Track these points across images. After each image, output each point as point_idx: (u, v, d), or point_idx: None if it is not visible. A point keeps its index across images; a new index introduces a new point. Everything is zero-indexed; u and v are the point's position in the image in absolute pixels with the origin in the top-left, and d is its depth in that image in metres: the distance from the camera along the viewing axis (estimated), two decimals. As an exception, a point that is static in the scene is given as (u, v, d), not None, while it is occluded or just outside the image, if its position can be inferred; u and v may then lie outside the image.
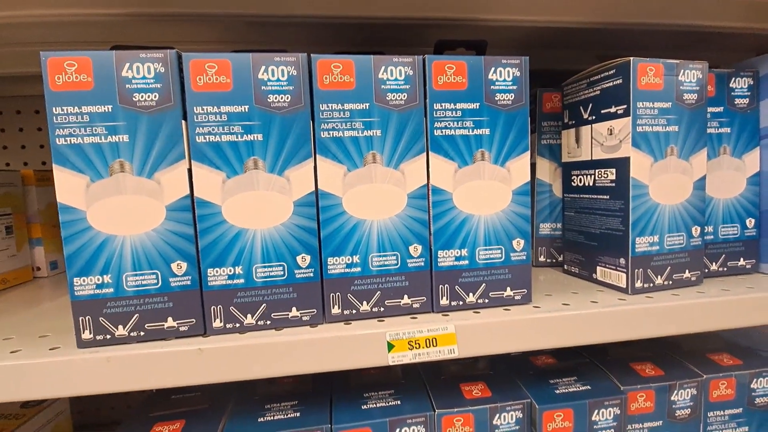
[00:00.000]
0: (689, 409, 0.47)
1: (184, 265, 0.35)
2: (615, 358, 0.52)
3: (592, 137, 0.47)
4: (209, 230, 0.35)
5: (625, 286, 0.44)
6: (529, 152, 0.40)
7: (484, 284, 0.40)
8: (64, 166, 0.33)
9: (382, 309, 0.38)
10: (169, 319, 0.35)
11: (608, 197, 0.45)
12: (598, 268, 0.47)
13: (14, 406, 0.56)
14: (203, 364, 0.33)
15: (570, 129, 0.50)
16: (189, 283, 0.35)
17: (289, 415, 0.41)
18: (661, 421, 0.46)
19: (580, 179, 0.49)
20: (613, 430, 0.44)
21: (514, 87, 0.39)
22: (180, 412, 0.42)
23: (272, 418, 0.41)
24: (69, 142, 0.33)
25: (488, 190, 0.39)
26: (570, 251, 0.52)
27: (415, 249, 0.39)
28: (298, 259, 0.37)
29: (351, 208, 0.37)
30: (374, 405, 0.42)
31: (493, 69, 0.38)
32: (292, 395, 0.44)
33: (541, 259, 0.57)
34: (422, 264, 0.39)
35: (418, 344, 0.36)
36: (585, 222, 0.49)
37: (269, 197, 0.35)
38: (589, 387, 0.45)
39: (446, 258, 0.39)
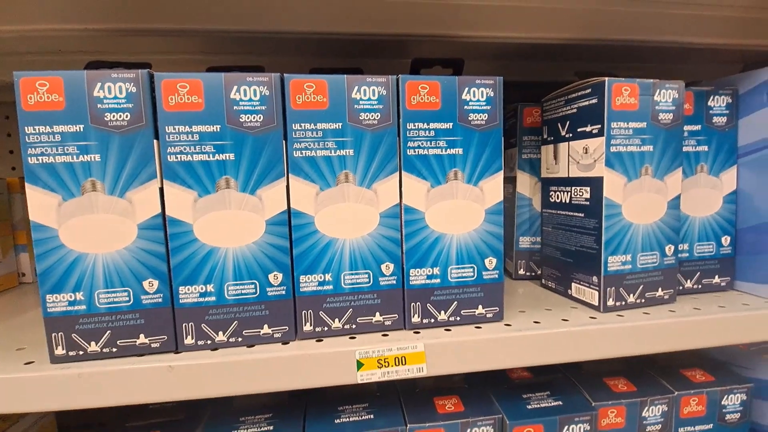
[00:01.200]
0: (660, 425, 0.48)
1: (156, 282, 0.35)
2: (589, 373, 0.52)
3: (569, 155, 0.47)
4: (181, 249, 0.35)
5: (597, 304, 0.44)
6: (502, 172, 0.40)
7: (456, 302, 0.40)
8: (36, 185, 0.33)
9: (354, 326, 0.39)
10: (141, 335, 0.35)
11: (583, 215, 0.45)
12: (573, 284, 0.48)
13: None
14: (174, 380, 0.34)
15: (549, 145, 0.51)
16: (161, 300, 0.35)
17: (262, 428, 0.41)
18: (631, 436, 0.47)
19: (558, 195, 0.49)
20: (583, 445, 0.45)
21: (488, 107, 0.39)
22: (156, 422, 0.43)
23: (246, 430, 0.41)
24: (41, 161, 0.33)
25: (461, 210, 0.40)
26: (547, 266, 0.52)
27: (387, 267, 0.39)
28: (270, 277, 0.37)
29: (323, 227, 0.37)
30: (347, 419, 0.43)
31: (467, 89, 0.39)
32: (266, 408, 0.45)
33: (521, 272, 0.58)
34: (394, 282, 0.39)
35: (387, 362, 0.36)
36: (561, 238, 0.49)
37: (241, 216, 0.36)
38: (560, 402, 0.46)
39: (418, 276, 0.39)
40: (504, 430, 0.43)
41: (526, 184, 0.56)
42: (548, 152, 0.51)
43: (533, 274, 0.57)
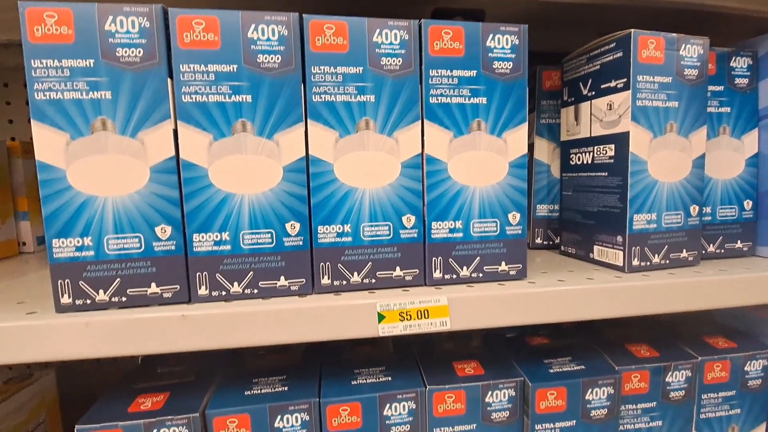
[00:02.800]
0: (683, 391, 0.46)
1: (169, 229, 0.34)
2: (610, 339, 0.51)
3: (591, 113, 0.46)
4: (195, 194, 0.34)
5: (621, 265, 0.43)
6: (526, 124, 0.39)
7: (478, 258, 0.39)
8: (43, 122, 0.31)
9: (373, 281, 0.37)
10: (153, 284, 0.34)
11: (606, 174, 0.44)
12: (595, 247, 0.46)
13: (-4, 382, 0.55)
14: (187, 330, 0.32)
15: (569, 106, 0.50)
16: (173, 248, 0.34)
17: (276, 389, 0.40)
18: (654, 402, 0.46)
19: (579, 157, 0.48)
20: (606, 409, 0.43)
21: (513, 55, 0.38)
22: (165, 384, 0.41)
23: (259, 391, 0.40)
24: (48, 97, 0.31)
25: (484, 161, 0.38)
26: (567, 231, 0.51)
27: (408, 220, 0.38)
28: (287, 226, 0.35)
29: (342, 176, 0.36)
30: (364, 381, 0.41)
31: (491, 36, 0.37)
32: (280, 370, 0.43)
33: (538, 240, 0.56)
34: (415, 235, 0.38)
35: (410, 316, 0.35)
36: (583, 201, 0.48)
37: (257, 161, 0.34)
38: (583, 366, 0.44)
39: (440, 230, 0.38)
40: (526, 393, 0.42)
41: (544, 150, 0.55)
42: (569, 114, 0.50)
43: (551, 243, 0.56)
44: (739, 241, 0.50)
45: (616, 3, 0.51)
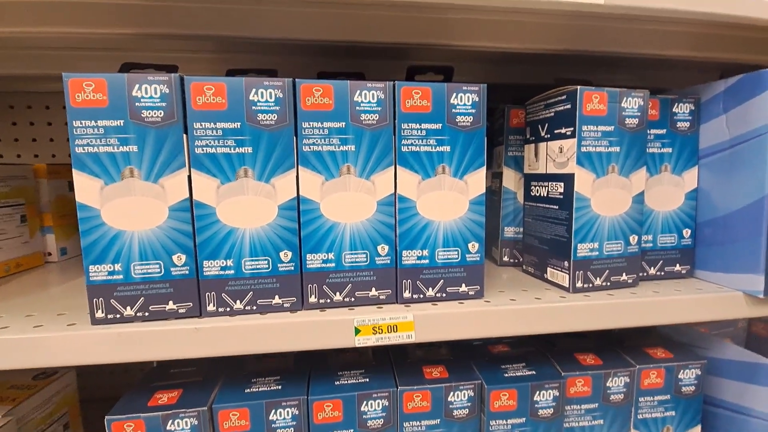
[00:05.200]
0: (622, 394, 0.54)
1: (184, 257, 0.41)
2: (563, 349, 0.58)
3: (547, 153, 0.53)
4: (205, 228, 0.41)
5: (567, 286, 0.50)
6: (484, 168, 0.46)
7: (442, 280, 0.46)
8: (82, 171, 0.38)
9: (352, 299, 0.45)
10: (170, 302, 0.41)
11: (557, 207, 0.51)
12: (549, 269, 0.53)
13: (26, 378, 0.62)
14: (199, 340, 0.40)
15: (531, 144, 0.57)
16: (187, 272, 0.41)
17: (272, 387, 0.47)
18: (596, 404, 0.53)
19: (537, 190, 0.55)
20: (552, 409, 0.51)
21: (473, 110, 0.45)
22: (178, 383, 0.49)
23: (257, 389, 0.47)
24: (87, 151, 0.38)
25: (448, 200, 0.45)
26: (527, 253, 0.58)
27: (383, 248, 0.45)
28: (281, 254, 0.43)
29: (328, 212, 0.43)
30: (346, 381, 0.49)
31: (455, 94, 0.44)
32: (275, 372, 0.51)
33: (505, 259, 0.63)
34: (388, 262, 0.45)
35: (381, 329, 0.42)
36: (539, 228, 0.55)
37: (257, 201, 0.42)
38: (534, 372, 0.52)
39: (410, 257, 0.45)
40: (482, 394, 0.49)
41: (511, 179, 0.62)
42: (530, 150, 0.57)
43: (516, 260, 0.63)
44: (678, 265, 0.57)
45: (575, 52, 0.58)
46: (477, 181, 0.46)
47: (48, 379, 0.63)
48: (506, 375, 0.51)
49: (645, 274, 0.56)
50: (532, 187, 0.56)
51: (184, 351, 0.39)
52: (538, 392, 0.50)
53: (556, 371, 0.52)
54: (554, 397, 0.50)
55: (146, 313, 0.41)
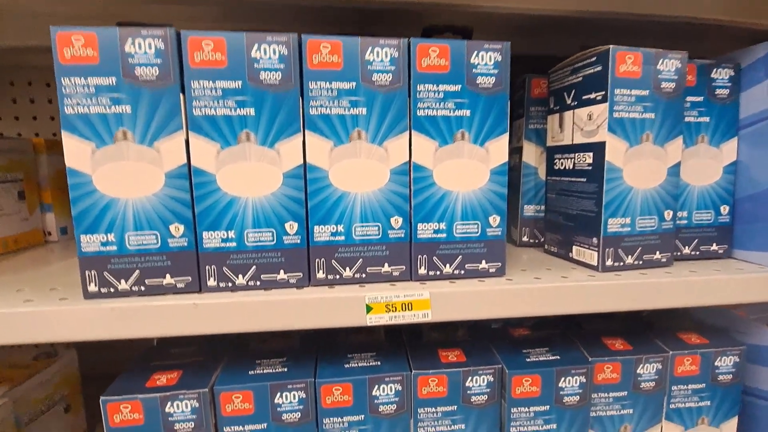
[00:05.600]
0: (654, 382, 0.50)
1: (181, 227, 0.38)
2: (588, 333, 0.55)
3: (573, 122, 0.49)
4: (204, 197, 0.38)
5: (596, 264, 0.46)
6: (507, 134, 0.42)
7: (460, 256, 0.43)
8: (72, 132, 0.36)
9: (363, 275, 0.41)
10: (167, 276, 0.38)
11: (585, 180, 0.47)
12: (574, 247, 0.50)
13: (26, 358, 0.61)
14: (198, 317, 0.37)
15: (554, 114, 0.52)
16: (186, 244, 0.38)
17: (277, 369, 0.44)
18: (626, 392, 0.50)
19: (562, 162, 0.51)
20: (578, 396, 0.47)
21: (496, 71, 0.41)
22: (178, 363, 0.46)
23: (262, 371, 0.44)
24: (77, 111, 0.35)
25: (467, 169, 0.42)
26: (550, 231, 0.54)
27: (396, 221, 0.41)
28: (287, 226, 0.40)
29: (337, 181, 0.40)
30: (356, 364, 0.46)
31: (475, 53, 0.40)
32: (281, 353, 0.48)
33: (525, 239, 0.60)
34: (402, 235, 0.42)
35: (395, 308, 0.39)
36: (564, 204, 0.51)
37: (260, 168, 0.38)
38: (558, 356, 0.48)
39: (425, 230, 0.42)
40: (503, 379, 0.46)
41: (532, 154, 0.58)
42: (554, 121, 0.53)
43: (537, 241, 0.59)
44: (714, 244, 0.53)
45: (601, 15, 0.53)
46: (499, 148, 0.42)
47: (48, 360, 0.61)
48: (529, 359, 0.48)
49: (679, 253, 0.52)
50: (556, 160, 0.52)
51: (181, 328, 0.37)
52: (563, 378, 0.46)
53: (582, 356, 0.49)
54: (581, 384, 0.47)
55: (142, 288, 0.38)
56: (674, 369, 0.51)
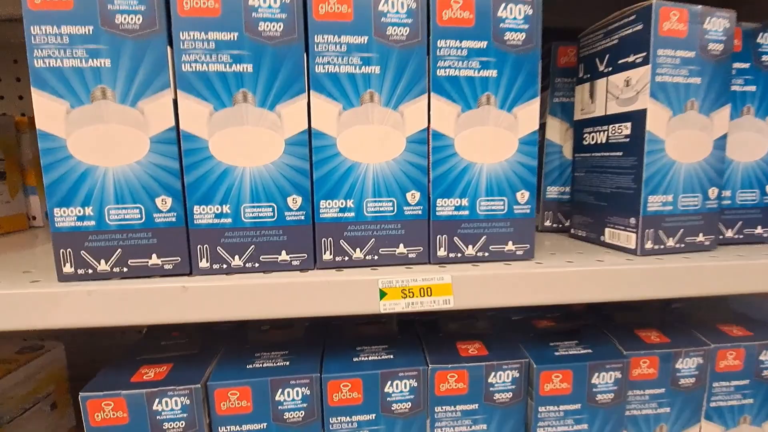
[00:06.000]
0: (694, 378, 0.45)
1: (169, 200, 0.33)
2: (620, 324, 0.50)
3: (607, 90, 0.44)
4: (195, 166, 0.33)
5: (634, 247, 0.41)
6: (538, 99, 0.37)
7: (484, 237, 0.38)
8: (43, 90, 0.31)
9: (375, 257, 0.37)
10: (153, 256, 0.34)
11: (621, 154, 0.42)
12: (607, 229, 0.45)
13: (9, 351, 0.56)
14: (187, 302, 0.32)
15: (584, 83, 0.48)
16: (174, 219, 0.34)
17: (278, 363, 0.40)
18: (663, 389, 0.45)
19: (593, 136, 0.46)
20: (613, 394, 0.42)
21: (526, 26, 0.36)
22: (168, 356, 0.41)
23: (261, 365, 0.40)
24: (48, 65, 0.31)
25: (493, 137, 0.37)
26: (578, 214, 0.50)
27: (413, 196, 0.37)
28: (289, 200, 0.35)
29: (346, 150, 0.35)
30: (366, 358, 0.41)
31: (503, 5, 0.36)
32: (283, 345, 0.43)
33: (547, 223, 0.55)
34: (420, 212, 0.37)
35: (412, 293, 0.34)
36: (595, 182, 0.46)
37: (259, 133, 0.34)
38: (590, 350, 0.43)
39: (445, 207, 0.37)
40: (530, 375, 0.41)
41: (556, 130, 0.53)
42: (584, 91, 0.48)
43: (561, 226, 0.54)
44: (759, 227, 0.48)
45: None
46: (529, 114, 0.37)
47: (33, 354, 0.57)
48: (558, 353, 0.43)
49: (721, 236, 0.47)
50: (585, 135, 0.48)
51: (168, 314, 0.32)
52: (597, 374, 0.42)
53: (616, 350, 0.44)
54: (616, 380, 0.42)
55: (124, 269, 0.33)
56: (716, 364, 0.46)
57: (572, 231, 0.51)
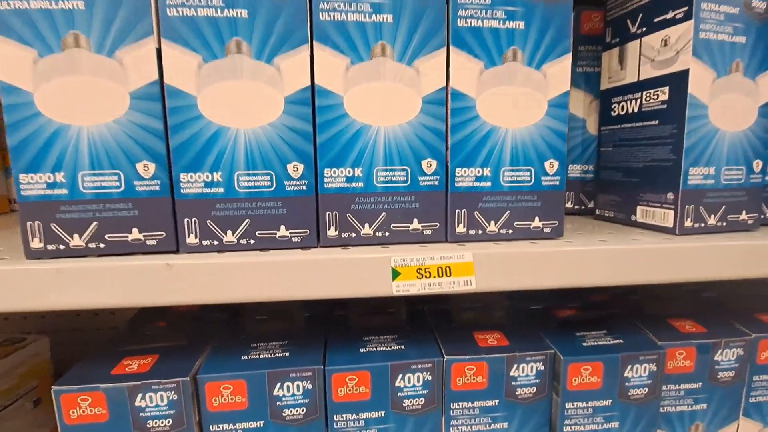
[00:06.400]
0: (733, 372, 0.41)
1: (152, 166, 0.29)
2: (650, 313, 0.46)
3: (640, 53, 0.40)
4: (182, 126, 0.29)
5: (672, 226, 0.37)
6: (570, 55, 0.33)
7: (508, 212, 0.34)
8: (8, 37, 0.27)
9: (386, 234, 0.33)
10: (134, 230, 0.29)
11: (657, 122, 0.38)
12: (639, 207, 0.41)
13: (-13, 343, 0.52)
14: (172, 281, 0.28)
15: (613, 48, 0.43)
16: (158, 188, 0.29)
17: (276, 354, 0.36)
18: (700, 383, 0.41)
19: (623, 106, 0.42)
20: (647, 389, 0.38)
21: (556, -27, 0.32)
22: (154, 347, 0.37)
23: (258, 356, 0.35)
24: (11, 6, 0.27)
25: (519, 98, 0.33)
26: (604, 193, 0.45)
27: (429, 165, 0.32)
28: (289, 168, 0.31)
29: (354, 111, 0.31)
30: (374, 348, 0.37)
31: (531, -52, 0.31)
32: (282, 335, 0.39)
33: (569, 205, 0.51)
34: (436, 183, 0.33)
35: (429, 273, 0.30)
36: (625, 156, 0.42)
37: (255, 89, 0.29)
38: (621, 341, 0.39)
39: (465, 178, 0.33)
40: (556, 368, 0.37)
41: (579, 103, 0.49)
42: (612, 57, 0.44)
43: (583, 207, 0.50)
44: (803, 207, 0.44)
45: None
46: (559, 73, 0.33)
47: (13, 347, 0.52)
48: (586, 344, 0.39)
49: (762, 216, 0.43)
50: (614, 105, 0.43)
51: (149, 296, 0.28)
52: (630, 366, 0.38)
53: (649, 339, 0.40)
54: (650, 373, 0.38)
55: (101, 244, 0.29)
56: (757, 355, 0.42)
57: (598, 211, 0.47)
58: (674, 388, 0.41)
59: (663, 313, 0.46)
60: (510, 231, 0.34)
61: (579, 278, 0.32)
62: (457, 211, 0.33)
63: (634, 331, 0.41)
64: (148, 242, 0.30)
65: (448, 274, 0.30)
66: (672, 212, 0.37)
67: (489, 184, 0.33)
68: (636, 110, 0.41)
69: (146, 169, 0.29)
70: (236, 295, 0.29)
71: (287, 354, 0.36)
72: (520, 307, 0.48)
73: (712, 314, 0.45)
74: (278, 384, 0.34)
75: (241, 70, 0.29)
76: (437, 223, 0.33)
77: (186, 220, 0.30)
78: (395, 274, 0.30)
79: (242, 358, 0.35)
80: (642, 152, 0.40)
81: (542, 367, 0.37)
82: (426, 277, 0.30)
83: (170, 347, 0.37)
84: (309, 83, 0.30)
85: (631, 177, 0.42)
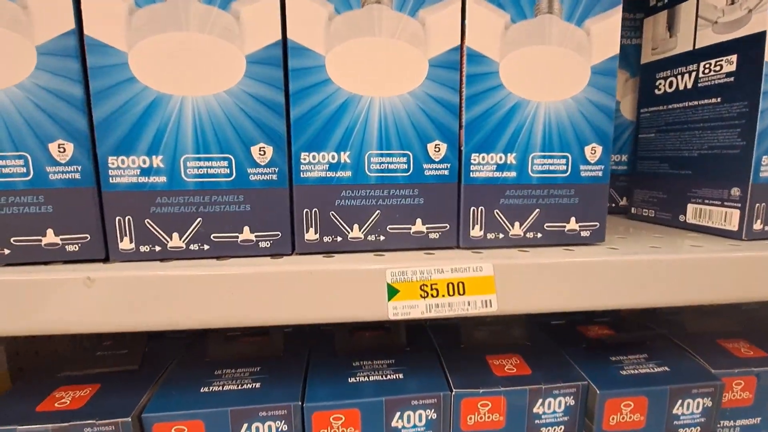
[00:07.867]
0: (801, 405, 0.34)
1: (70, 146, 0.22)
2: (695, 332, 0.39)
3: (697, 16, 0.32)
4: (112, 92, 0.22)
5: (736, 229, 0.30)
6: (621, 7, 0.26)
7: (537, 210, 0.27)
8: None
9: (381, 238, 0.25)
10: (49, 232, 0.22)
11: (720, 100, 0.31)
12: (690, 205, 0.33)
13: None
14: (93, 301, 0.21)
15: (658, 13, 0.36)
16: (78, 176, 0.22)
17: (245, 386, 0.29)
18: (759, 418, 0.34)
19: (671, 82, 0.35)
20: (699, 428, 0.31)
21: None
22: (97, 373, 0.30)
23: (221, 388, 0.28)
24: None
25: (555, 62, 0.25)
26: (643, 188, 0.38)
27: (437, 148, 0.25)
28: (254, 151, 0.23)
29: (339, 75, 0.24)
30: (366, 378, 0.30)
31: None
32: (254, 359, 0.32)
33: (596, 201, 0.43)
34: (446, 172, 0.25)
35: (436, 290, 0.23)
36: (673, 143, 0.35)
37: (206, 44, 0.22)
38: (666, 368, 0.32)
39: (483, 166, 0.26)
40: (591, 403, 0.30)
41: (611, 81, 0.41)
42: (657, 24, 0.36)
43: (614, 205, 0.43)
44: None
45: None
46: (607, 31, 0.26)
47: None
48: (624, 372, 0.32)
49: (839, 218, 0.36)
50: (659, 82, 0.36)
51: (62, 321, 0.21)
52: (680, 401, 0.30)
53: (701, 367, 0.33)
54: (704, 410, 0.31)
55: (6, 251, 0.22)
56: (828, 386, 0.35)
57: (633, 210, 0.39)
58: (728, 425, 0.34)
59: (709, 330, 0.39)
60: (539, 234, 0.27)
61: (631, 297, 0.25)
62: (472, 208, 0.26)
63: (680, 356, 0.34)
64: (67, 247, 0.22)
65: (461, 293, 0.23)
66: (737, 211, 0.30)
67: (514, 174, 0.26)
68: (690, 86, 0.33)
69: (63, 150, 0.22)
70: (175, 318, 0.21)
71: (258, 385, 0.29)
72: (539, 321, 0.41)
73: (763, 332, 0.38)
74: (245, 424, 0.27)
75: (187, 18, 0.22)
76: (447, 225, 0.26)
77: (118, 218, 0.23)
78: (392, 291, 0.23)
79: (201, 390, 0.28)
80: (697, 138, 0.33)
81: (572, 402, 0.30)
82: (432, 296, 0.23)
83: (116, 374, 0.30)
84: (279, 38, 0.23)
85: (680, 168, 0.34)
